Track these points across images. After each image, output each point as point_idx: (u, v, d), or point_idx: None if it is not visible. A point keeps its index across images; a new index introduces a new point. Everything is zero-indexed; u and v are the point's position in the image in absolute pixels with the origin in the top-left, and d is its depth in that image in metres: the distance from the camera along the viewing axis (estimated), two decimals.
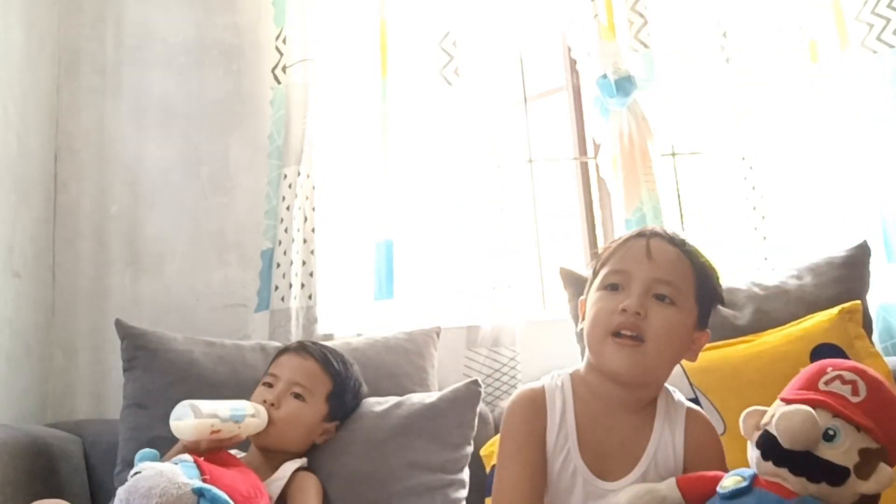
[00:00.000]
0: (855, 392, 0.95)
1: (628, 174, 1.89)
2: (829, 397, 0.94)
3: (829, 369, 0.97)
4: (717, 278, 1.13)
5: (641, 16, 2.00)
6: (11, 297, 1.65)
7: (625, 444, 1.07)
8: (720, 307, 1.16)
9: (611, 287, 1.08)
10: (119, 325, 1.56)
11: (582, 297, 1.16)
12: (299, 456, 1.34)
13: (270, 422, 1.29)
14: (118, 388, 1.57)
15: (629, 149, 1.90)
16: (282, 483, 1.26)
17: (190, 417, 1.15)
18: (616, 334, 1.05)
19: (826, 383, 0.96)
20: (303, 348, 1.40)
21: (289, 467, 1.29)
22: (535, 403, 1.10)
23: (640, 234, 1.12)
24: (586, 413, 1.09)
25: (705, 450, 1.08)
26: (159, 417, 1.25)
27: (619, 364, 1.05)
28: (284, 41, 1.91)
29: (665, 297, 1.06)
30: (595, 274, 1.13)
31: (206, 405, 1.18)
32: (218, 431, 1.18)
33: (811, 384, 0.97)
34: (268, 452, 1.31)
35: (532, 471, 1.05)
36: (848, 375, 0.96)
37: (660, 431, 1.08)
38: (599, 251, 1.17)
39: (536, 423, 1.08)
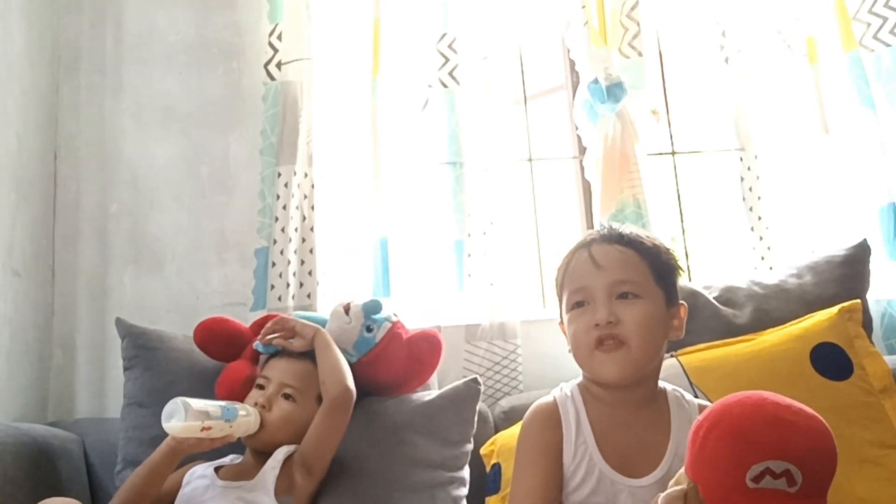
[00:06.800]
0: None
1: (608, 178, 1.90)
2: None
3: (753, 466, 0.81)
4: (667, 251, 1.16)
5: (636, 22, 2.00)
6: (11, 296, 1.65)
7: (645, 441, 1.09)
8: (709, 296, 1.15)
9: (577, 305, 1.13)
10: (119, 323, 1.56)
11: (559, 321, 1.19)
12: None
13: (262, 424, 1.29)
14: (118, 387, 1.57)
15: (612, 152, 1.90)
16: (275, 471, 1.26)
17: (181, 413, 1.15)
18: (599, 346, 1.09)
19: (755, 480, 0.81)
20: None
21: (281, 452, 1.29)
22: (550, 415, 1.13)
23: (581, 246, 1.16)
24: (600, 416, 1.12)
25: None
26: (160, 416, 1.25)
27: (611, 372, 1.09)
28: (280, 37, 1.90)
29: (628, 294, 1.10)
30: (560, 297, 1.17)
31: (198, 402, 1.18)
32: (209, 429, 1.18)
33: (739, 481, 0.81)
34: (262, 455, 1.31)
35: (547, 479, 1.09)
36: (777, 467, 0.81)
37: (677, 428, 1.10)
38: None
39: (552, 434, 1.11)
